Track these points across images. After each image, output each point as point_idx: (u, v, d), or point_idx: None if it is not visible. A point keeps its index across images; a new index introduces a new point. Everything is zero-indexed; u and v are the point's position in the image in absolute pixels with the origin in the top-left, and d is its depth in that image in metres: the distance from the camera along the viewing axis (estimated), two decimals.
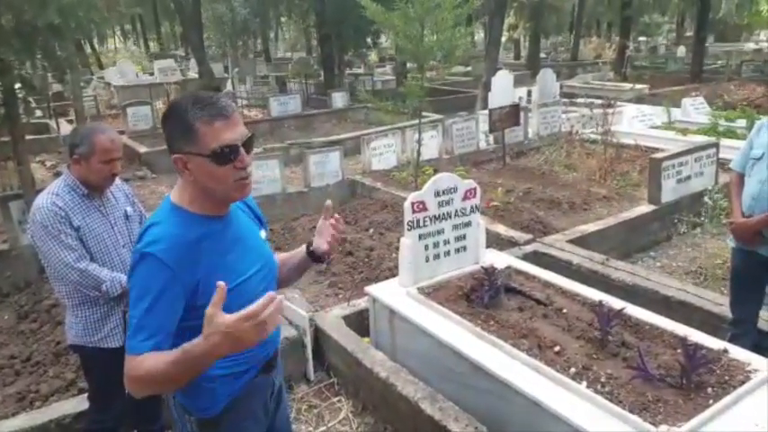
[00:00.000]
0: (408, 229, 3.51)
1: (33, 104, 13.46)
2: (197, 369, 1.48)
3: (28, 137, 7.84)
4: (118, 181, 2.69)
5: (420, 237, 3.55)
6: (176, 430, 1.84)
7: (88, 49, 26.34)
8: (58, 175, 2.61)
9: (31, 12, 5.18)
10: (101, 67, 24.73)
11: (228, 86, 16.06)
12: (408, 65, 15.64)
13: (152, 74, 19.21)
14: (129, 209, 2.71)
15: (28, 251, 4.74)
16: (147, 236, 1.56)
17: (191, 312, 1.56)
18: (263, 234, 1.86)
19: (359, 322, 3.82)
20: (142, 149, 9.82)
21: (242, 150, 1.56)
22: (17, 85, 6.10)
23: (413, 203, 3.50)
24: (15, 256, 5.13)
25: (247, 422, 1.81)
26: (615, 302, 3.15)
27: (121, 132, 10.33)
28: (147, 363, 1.49)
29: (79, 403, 3.00)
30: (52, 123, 11.86)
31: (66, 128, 10.98)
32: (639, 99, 12.80)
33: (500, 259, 3.86)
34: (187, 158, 1.54)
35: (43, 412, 3.03)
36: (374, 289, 3.66)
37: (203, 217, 1.61)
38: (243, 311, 1.40)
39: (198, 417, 1.72)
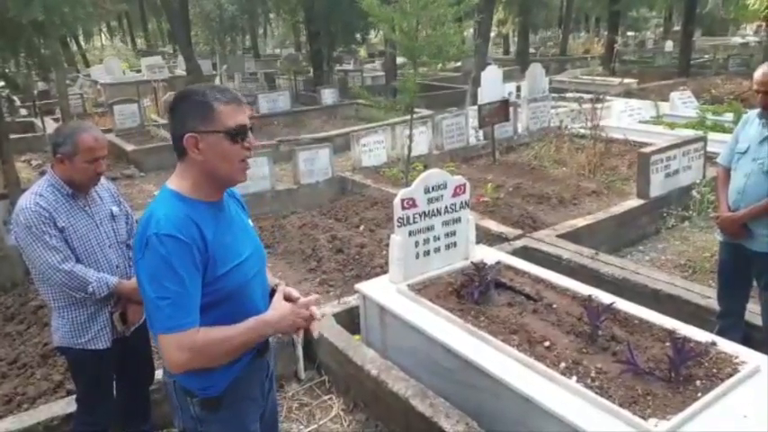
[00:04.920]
0: (398, 226, 3.50)
1: (18, 103, 13.36)
2: (262, 336, 1.79)
3: (13, 136, 7.77)
4: (103, 180, 2.65)
5: (410, 233, 3.54)
6: (178, 419, 1.88)
7: (74, 47, 26.13)
8: (44, 174, 2.58)
9: (14, 8, 5.10)
10: (87, 64, 24.50)
11: (217, 83, 15.95)
12: (399, 61, 15.60)
13: (139, 71, 19.06)
14: (114, 208, 2.67)
15: (14, 252, 4.68)
16: (155, 221, 1.64)
17: (203, 288, 1.69)
18: (250, 222, 1.98)
19: (349, 320, 3.82)
20: (129, 148, 9.74)
21: (250, 133, 1.74)
22: (1, 84, 6.02)
23: (402, 200, 3.49)
24: (1, 257, 5.07)
25: (247, 402, 1.90)
26: (605, 297, 3.16)
27: (108, 131, 10.28)
28: (203, 335, 1.65)
29: (67, 405, 2.97)
30: (38, 122, 11.73)
31: (52, 126, 10.86)
32: (628, 93, 12.85)
33: (490, 255, 3.86)
34: (200, 137, 1.67)
35: (31, 415, 2.99)
36: (364, 286, 3.65)
37: (201, 202, 1.73)
38: (306, 299, 1.83)
39: (200, 397, 1.80)
